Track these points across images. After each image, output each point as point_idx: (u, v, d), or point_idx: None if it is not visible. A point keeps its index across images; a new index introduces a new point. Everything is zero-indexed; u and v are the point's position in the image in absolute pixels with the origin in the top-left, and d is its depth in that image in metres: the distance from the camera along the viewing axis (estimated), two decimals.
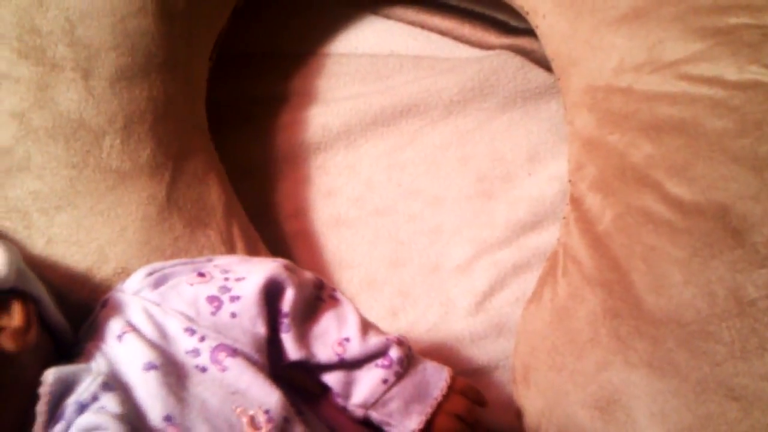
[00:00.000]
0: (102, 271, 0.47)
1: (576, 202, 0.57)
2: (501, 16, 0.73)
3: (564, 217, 0.59)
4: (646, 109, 0.53)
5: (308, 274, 0.48)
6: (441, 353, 0.62)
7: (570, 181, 0.59)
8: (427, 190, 0.68)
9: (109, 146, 0.48)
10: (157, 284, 0.44)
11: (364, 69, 0.71)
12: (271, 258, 0.50)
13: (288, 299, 0.45)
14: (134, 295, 0.43)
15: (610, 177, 0.54)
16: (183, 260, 0.47)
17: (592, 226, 0.54)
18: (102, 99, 0.48)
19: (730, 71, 0.50)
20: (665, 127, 0.52)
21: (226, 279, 0.44)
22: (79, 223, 0.47)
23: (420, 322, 0.64)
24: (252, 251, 0.54)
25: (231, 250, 0.52)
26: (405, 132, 0.70)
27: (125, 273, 0.47)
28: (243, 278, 0.44)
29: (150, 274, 0.45)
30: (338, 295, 0.48)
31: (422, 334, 0.63)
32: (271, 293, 0.44)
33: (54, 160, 0.47)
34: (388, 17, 0.73)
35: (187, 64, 0.55)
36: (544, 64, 0.71)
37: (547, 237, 0.66)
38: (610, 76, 0.56)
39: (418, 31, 0.73)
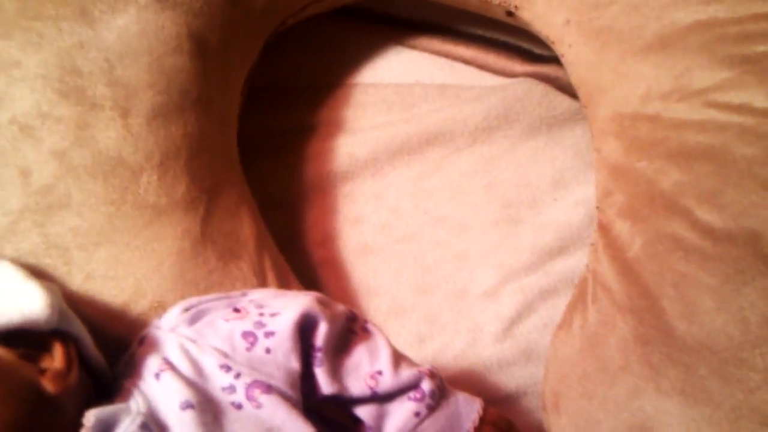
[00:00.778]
0: (139, 306, 0.48)
1: (604, 228, 0.57)
2: (525, 45, 0.74)
3: (592, 244, 0.59)
4: (674, 136, 0.53)
5: (341, 307, 0.48)
6: (469, 380, 0.62)
7: (598, 207, 0.59)
8: (453, 217, 0.69)
9: (146, 182, 0.49)
10: (194, 320, 0.44)
11: (390, 98, 0.72)
12: (304, 291, 0.50)
13: (321, 333, 0.45)
14: (171, 332, 0.44)
15: (638, 204, 0.54)
16: (218, 295, 0.47)
17: (622, 253, 0.54)
18: (139, 136, 0.50)
19: (758, 99, 0.50)
20: (694, 154, 0.52)
21: (261, 314, 0.45)
22: (117, 259, 0.48)
23: (447, 348, 0.64)
24: (282, 282, 0.55)
25: (263, 281, 0.53)
26: (431, 160, 0.71)
27: (161, 307, 0.48)
28: (277, 313, 0.45)
29: (186, 309, 0.45)
30: (370, 327, 0.49)
31: (450, 360, 0.63)
32: (304, 328, 0.45)
33: (93, 197, 0.48)
34: (414, 47, 0.74)
35: (221, 100, 0.57)
36: (568, 90, 0.71)
37: (574, 262, 0.66)
38: (637, 104, 0.56)
39: (443, 60, 0.74)
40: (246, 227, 0.54)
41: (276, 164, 0.69)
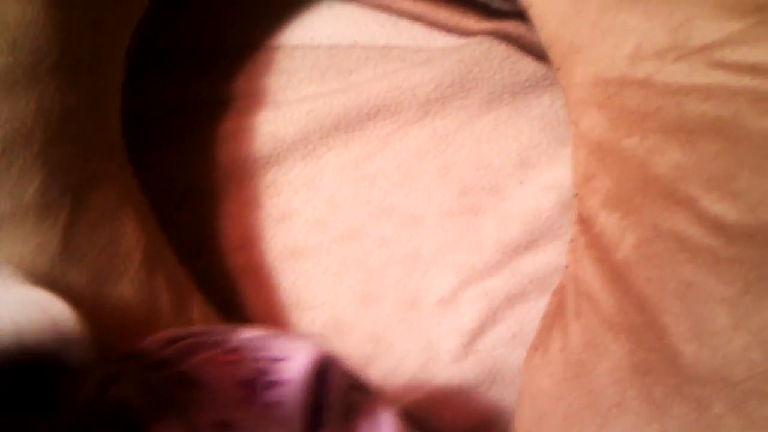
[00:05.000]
0: None
1: (585, 222, 0.47)
2: None
3: (571, 241, 0.49)
4: (671, 105, 0.44)
5: (337, 355, 0.39)
6: (425, 409, 0.52)
7: (576, 195, 0.49)
8: (401, 208, 0.58)
9: None
10: (184, 357, 0.35)
11: (322, 63, 0.61)
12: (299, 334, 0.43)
13: (333, 389, 0.36)
14: (158, 369, 0.35)
15: (629, 191, 0.44)
16: (198, 328, 0.40)
17: (609, 254, 0.44)
18: None
19: None
20: (697, 128, 0.42)
21: (261, 359, 0.36)
22: None
23: (397, 371, 0.54)
24: (182, 306, 0.43)
25: (152, 306, 0.41)
26: (374, 138, 0.59)
27: None
28: (282, 359, 0.36)
29: (170, 342, 0.36)
30: (367, 385, 0.40)
31: (400, 386, 0.54)
32: (316, 379, 0.36)
33: None
34: (350, 1, 0.62)
35: (94, 65, 0.44)
36: (534, 51, 0.60)
37: (545, 258, 0.57)
38: (624, 66, 0.46)
39: (385, 16, 0.62)
40: (129, 235, 0.42)
41: (180, 148, 0.57)
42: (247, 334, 0.39)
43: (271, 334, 0.40)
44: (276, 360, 0.36)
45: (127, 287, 0.40)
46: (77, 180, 0.41)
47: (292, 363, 0.36)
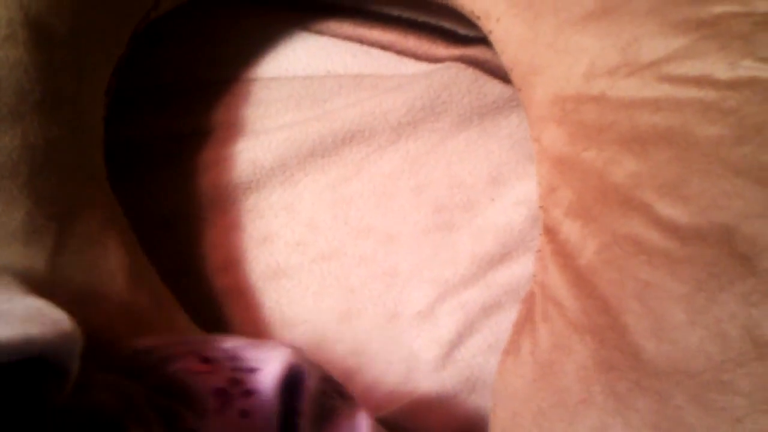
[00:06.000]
0: None
1: (550, 231, 0.49)
2: (448, 25, 0.65)
3: (538, 251, 0.50)
4: (625, 118, 0.46)
5: (315, 363, 0.40)
6: (408, 417, 0.53)
7: (541, 207, 0.51)
8: (378, 227, 0.60)
9: None
10: (156, 367, 0.36)
11: (297, 93, 0.63)
12: (279, 342, 0.43)
13: (305, 395, 0.37)
14: (130, 379, 0.35)
15: (589, 201, 0.46)
16: (174, 338, 0.40)
17: (573, 260, 0.46)
18: None
19: (720, 68, 0.43)
20: (650, 138, 0.44)
21: (235, 369, 0.37)
22: None
23: (380, 383, 0.55)
24: (167, 325, 0.44)
25: (137, 325, 0.43)
26: (349, 162, 0.61)
27: None
28: (256, 369, 0.37)
29: (138, 352, 0.37)
30: (346, 392, 0.41)
31: (383, 396, 0.54)
32: (288, 386, 0.37)
33: None
34: (321, 33, 0.65)
35: (75, 101, 0.46)
36: (499, 74, 0.63)
37: (518, 270, 0.58)
38: (579, 84, 0.48)
39: (356, 46, 0.65)
40: (113, 257, 0.44)
41: (164, 177, 0.59)
42: (223, 344, 0.39)
43: (246, 343, 0.40)
44: (249, 370, 0.37)
45: (111, 306, 0.42)
46: (62, 208, 0.42)
47: (264, 372, 0.36)
